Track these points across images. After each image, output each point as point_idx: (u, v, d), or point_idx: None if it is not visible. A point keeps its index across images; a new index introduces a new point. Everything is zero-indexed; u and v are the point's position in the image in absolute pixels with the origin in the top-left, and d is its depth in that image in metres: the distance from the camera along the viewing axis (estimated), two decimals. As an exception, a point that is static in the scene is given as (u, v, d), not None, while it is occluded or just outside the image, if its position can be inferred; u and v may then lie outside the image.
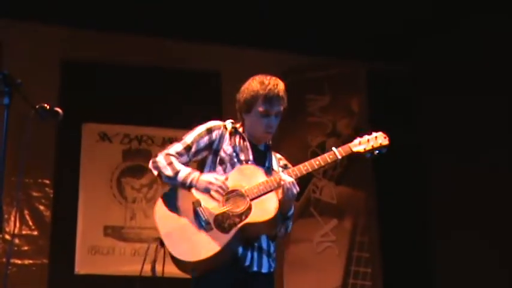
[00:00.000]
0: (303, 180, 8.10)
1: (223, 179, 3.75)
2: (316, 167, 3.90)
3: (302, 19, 7.60)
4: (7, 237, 6.71)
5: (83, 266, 7.36)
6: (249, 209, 3.70)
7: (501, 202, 7.09)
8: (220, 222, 3.69)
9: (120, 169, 7.73)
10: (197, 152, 3.93)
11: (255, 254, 3.80)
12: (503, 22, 7.18)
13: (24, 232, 7.28)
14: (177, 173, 3.79)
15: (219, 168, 3.89)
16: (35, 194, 7.39)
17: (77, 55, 7.68)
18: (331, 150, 3.93)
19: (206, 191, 3.72)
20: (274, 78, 3.98)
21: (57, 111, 3.47)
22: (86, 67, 7.71)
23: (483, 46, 7.39)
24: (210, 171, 3.90)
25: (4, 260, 6.89)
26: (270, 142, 4.11)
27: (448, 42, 7.82)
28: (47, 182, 7.46)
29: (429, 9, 7.50)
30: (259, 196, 3.74)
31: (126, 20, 7.50)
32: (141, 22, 7.57)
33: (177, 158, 3.87)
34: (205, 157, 3.97)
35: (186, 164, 3.91)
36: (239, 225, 3.68)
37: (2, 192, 3.16)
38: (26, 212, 7.34)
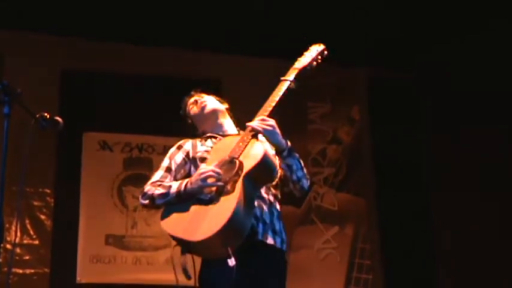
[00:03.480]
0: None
1: (212, 166, 3.67)
2: (277, 100, 3.90)
3: (302, 27, 7.60)
4: (8, 246, 6.70)
5: (84, 275, 7.35)
6: (241, 164, 3.63)
7: (505, 209, 7.09)
8: (224, 189, 3.59)
9: (121, 178, 7.73)
10: (177, 168, 3.95)
11: (260, 225, 3.72)
12: (506, 28, 7.20)
13: (25, 241, 7.28)
14: (169, 187, 3.76)
15: (202, 165, 3.81)
16: (36, 203, 7.39)
17: (77, 64, 7.68)
18: (280, 80, 4.05)
19: (202, 184, 3.61)
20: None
21: (57, 121, 3.47)
22: (85, 76, 7.72)
23: (486, 54, 7.40)
24: None
25: (5, 269, 6.87)
26: (238, 128, 4.17)
27: (450, 50, 7.83)
28: (48, 191, 7.45)
29: (432, 16, 7.50)
30: (243, 151, 3.68)
31: (125, 29, 7.51)
32: (140, 31, 7.58)
33: (162, 182, 3.87)
34: (189, 170, 3.96)
35: None
36: (241, 179, 3.57)
37: (2, 202, 3.16)
38: (27, 221, 7.33)
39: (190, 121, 4.26)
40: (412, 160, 8.14)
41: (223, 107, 4.26)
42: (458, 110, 7.70)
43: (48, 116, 3.43)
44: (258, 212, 3.74)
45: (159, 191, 3.78)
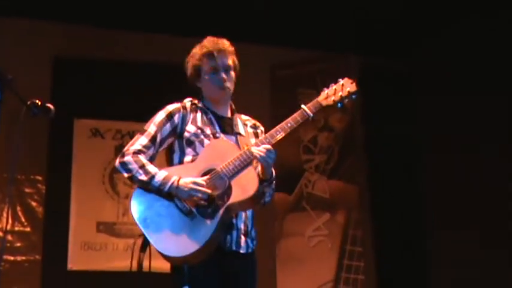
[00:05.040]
0: (295, 174, 8.16)
1: (203, 182, 3.64)
2: (288, 129, 3.77)
3: (294, 13, 7.59)
4: (-1, 233, 6.71)
5: (75, 262, 7.36)
6: (229, 188, 3.61)
7: (496, 198, 7.09)
8: (203, 209, 3.61)
9: (113, 165, 7.67)
10: (162, 141, 3.84)
11: (234, 234, 3.74)
12: (499, 22, 7.20)
13: (16, 228, 7.28)
14: (151, 177, 3.69)
15: (188, 150, 3.80)
16: (27, 190, 7.38)
17: (69, 51, 7.66)
18: (301, 108, 3.82)
19: (188, 198, 3.61)
20: (216, 37, 4.03)
21: (49, 108, 3.46)
22: (77, 63, 7.69)
23: (479, 44, 7.38)
24: (180, 156, 3.83)
25: (-3, 256, 6.88)
26: (234, 107, 4.06)
27: (444, 39, 7.82)
28: (39, 178, 7.44)
29: (429, 7, 7.49)
30: (237, 173, 3.63)
31: (117, 15, 7.49)
32: (132, 17, 7.56)
33: (145, 153, 3.78)
34: (171, 143, 3.88)
35: (153, 156, 3.83)
36: (223, 208, 3.59)
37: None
38: (18, 208, 7.32)
39: (192, 78, 4.05)
40: (405, 147, 8.14)
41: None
42: (453, 99, 7.69)
43: (39, 103, 3.43)
44: (233, 220, 3.76)
45: (142, 176, 3.72)
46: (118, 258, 7.38)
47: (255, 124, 4.09)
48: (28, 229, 7.33)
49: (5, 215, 7.03)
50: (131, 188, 7.62)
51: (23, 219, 7.33)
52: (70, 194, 7.50)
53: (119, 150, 7.70)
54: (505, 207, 7.01)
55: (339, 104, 3.91)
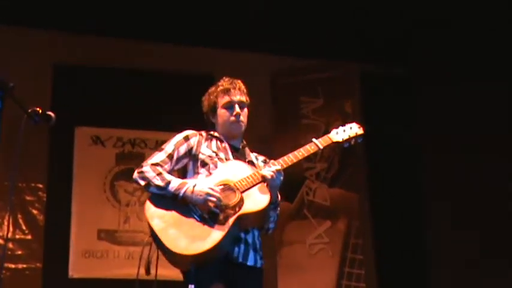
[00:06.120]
0: (296, 182, 8.15)
1: (218, 189, 3.81)
2: (300, 157, 4.04)
3: (295, 21, 7.60)
4: (0, 241, 6.70)
5: (76, 269, 7.35)
6: (241, 201, 3.80)
7: (496, 198, 7.09)
8: (215, 216, 3.75)
9: (114, 173, 7.73)
10: (178, 159, 4.02)
11: (242, 247, 3.86)
12: (499, 22, 7.21)
13: (17, 236, 7.28)
14: (168, 183, 3.85)
15: (202, 170, 3.97)
16: (28, 198, 7.38)
17: (69, 59, 7.68)
18: (312, 141, 4.11)
19: (202, 202, 3.77)
20: (231, 78, 4.20)
21: (49, 115, 3.46)
22: (78, 71, 7.71)
23: (479, 44, 7.40)
24: (193, 176, 3.99)
25: (-2, 264, 6.87)
26: (245, 142, 4.24)
27: (444, 40, 7.82)
28: (40, 186, 7.45)
29: (424, 10, 7.50)
30: (249, 188, 3.84)
31: (118, 24, 7.50)
32: (132, 26, 7.57)
33: (162, 167, 3.94)
34: (185, 164, 4.06)
35: (169, 172, 3.98)
36: (235, 216, 3.75)
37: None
38: (19, 216, 7.33)
39: (208, 114, 4.20)
40: (406, 154, 8.13)
41: None
42: (453, 100, 7.70)
43: (40, 111, 3.42)
44: (242, 234, 3.89)
45: (158, 182, 3.86)
46: (119, 266, 7.38)
47: (265, 159, 4.25)
48: (29, 237, 7.33)
49: (6, 223, 7.04)
50: (132, 196, 7.71)
51: (24, 227, 7.33)
52: (71, 202, 7.50)
53: (120, 158, 7.84)
54: (505, 207, 7.02)
55: (346, 144, 4.26)
